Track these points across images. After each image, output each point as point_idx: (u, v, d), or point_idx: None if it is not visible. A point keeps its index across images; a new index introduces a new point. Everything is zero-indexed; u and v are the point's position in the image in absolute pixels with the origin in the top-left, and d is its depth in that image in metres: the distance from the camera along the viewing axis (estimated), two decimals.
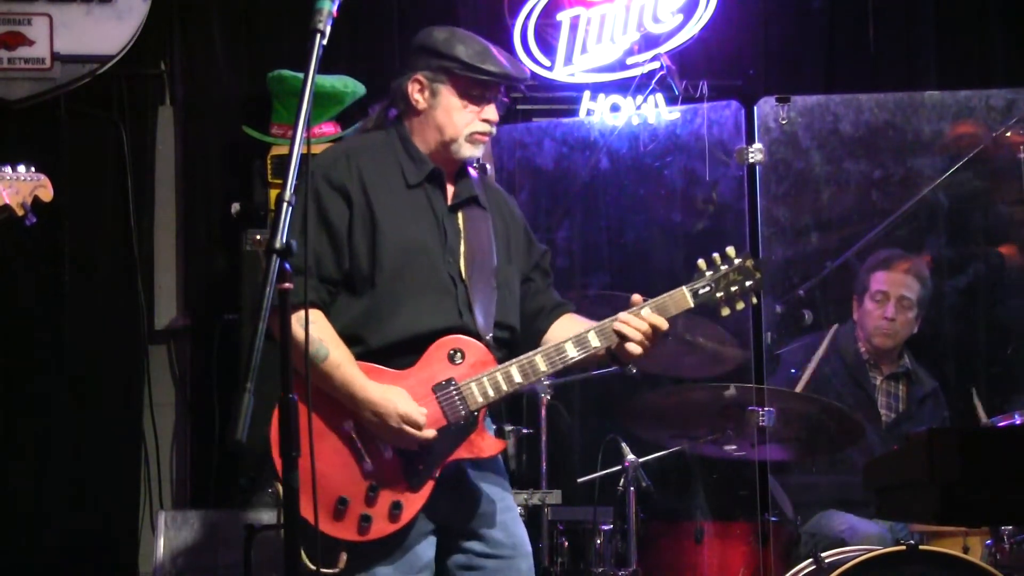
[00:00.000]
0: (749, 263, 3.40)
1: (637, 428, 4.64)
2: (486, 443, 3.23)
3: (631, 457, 4.38)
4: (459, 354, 3.20)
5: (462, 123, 3.29)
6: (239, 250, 5.16)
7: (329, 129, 5.36)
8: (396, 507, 3.14)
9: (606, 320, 3.28)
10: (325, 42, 2.67)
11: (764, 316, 4.62)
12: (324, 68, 2.75)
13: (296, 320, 2.81)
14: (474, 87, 3.29)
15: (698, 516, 4.42)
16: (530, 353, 3.24)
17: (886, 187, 5.21)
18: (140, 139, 5.72)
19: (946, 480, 2.88)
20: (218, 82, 5.76)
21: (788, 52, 6.01)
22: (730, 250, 3.40)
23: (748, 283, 3.39)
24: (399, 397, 3.12)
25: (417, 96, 3.32)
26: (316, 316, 3.13)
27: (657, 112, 5.40)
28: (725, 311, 3.40)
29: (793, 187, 5.02)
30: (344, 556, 3.12)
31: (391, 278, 3.19)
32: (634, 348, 3.25)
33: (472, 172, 3.42)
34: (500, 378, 3.20)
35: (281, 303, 2.44)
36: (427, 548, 3.22)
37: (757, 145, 4.61)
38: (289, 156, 2.55)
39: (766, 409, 4.37)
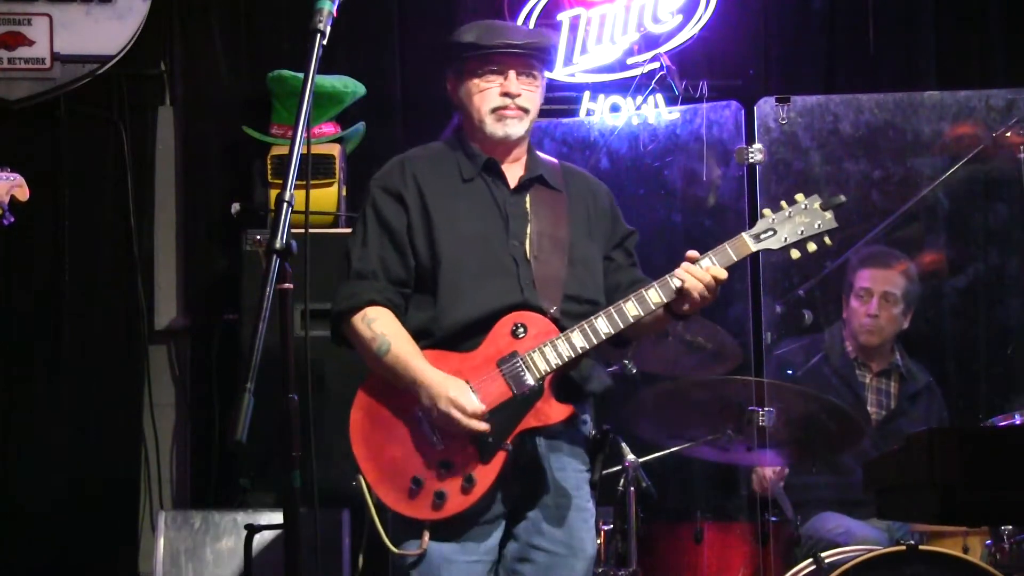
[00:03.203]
0: (817, 204, 3.38)
1: (637, 428, 4.64)
2: (553, 409, 3.27)
3: (631, 457, 4.38)
4: (522, 328, 3.26)
5: (483, 103, 3.39)
6: (239, 250, 5.16)
7: (329, 129, 5.36)
8: (469, 481, 3.21)
9: (665, 276, 3.30)
10: (325, 42, 2.68)
11: (764, 316, 4.62)
12: (324, 68, 2.76)
13: (360, 318, 3.27)
14: (483, 64, 3.38)
15: (698, 516, 4.41)
16: (591, 317, 3.27)
17: (886, 187, 5.20)
18: (140, 139, 5.72)
19: (946, 480, 2.88)
20: (218, 82, 5.76)
21: (788, 52, 6.00)
22: (799, 196, 3.39)
23: (818, 223, 3.37)
24: (454, 384, 3.20)
25: (452, 94, 3.48)
26: (381, 312, 3.28)
27: (657, 112, 5.40)
28: (795, 253, 3.38)
29: (793, 187, 4.99)
30: (427, 535, 3.21)
31: (450, 270, 3.30)
32: (693, 300, 3.26)
33: (545, 157, 3.53)
34: (562, 344, 3.24)
35: (281, 303, 2.44)
36: (495, 532, 3.29)
37: (757, 145, 4.61)
38: (289, 156, 2.55)
39: (766, 409, 4.37)
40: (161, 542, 4.64)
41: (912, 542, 3.91)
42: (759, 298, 4.69)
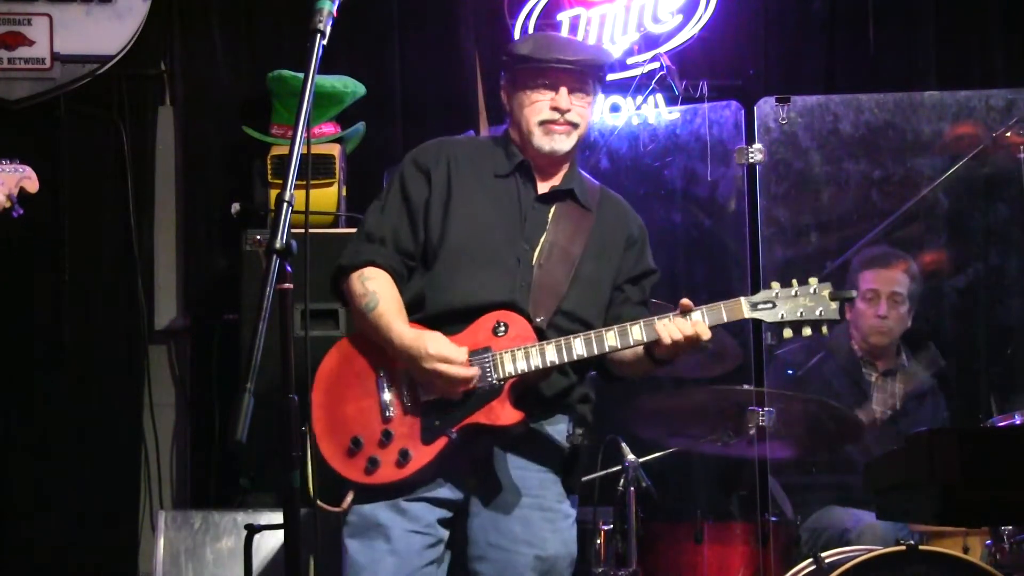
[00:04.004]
0: (827, 292, 3.31)
1: (637, 428, 4.64)
2: (504, 412, 3.27)
3: (631, 457, 4.38)
4: (503, 327, 3.29)
5: (532, 115, 3.41)
6: (239, 250, 5.16)
7: (329, 129, 5.36)
8: (404, 456, 3.24)
9: (654, 317, 3.28)
10: (325, 42, 2.67)
11: None
12: (324, 68, 2.76)
13: (357, 277, 3.33)
14: (536, 77, 3.41)
15: (698, 516, 4.41)
16: (570, 336, 3.28)
17: (886, 187, 5.20)
18: (140, 139, 5.72)
19: (946, 480, 2.88)
20: (218, 82, 5.76)
21: (788, 52, 6.00)
22: (812, 280, 3.33)
23: (820, 310, 3.29)
24: (431, 338, 3.23)
25: (504, 102, 3.51)
26: (378, 273, 3.33)
27: (657, 112, 5.40)
28: (788, 333, 3.32)
29: (793, 187, 5.02)
30: (350, 496, 3.27)
31: (452, 253, 3.34)
32: (668, 348, 3.24)
33: (587, 176, 3.57)
34: (535, 352, 3.26)
35: (281, 303, 2.44)
36: (439, 512, 3.30)
37: (757, 145, 4.62)
38: (289, 156, 2.55)
39: (766, 409, 4.37)
40: (161, 542, 4.64)
41: (912, 542, 3.91)
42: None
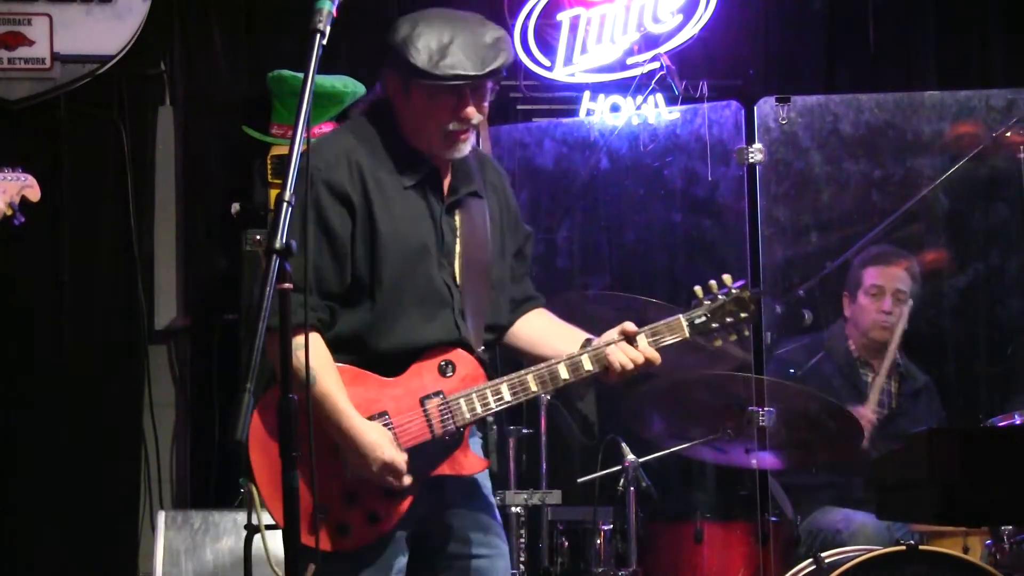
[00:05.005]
0: (746, 295, 3.31)
1: (637, 428, 4.64)
2: (468, 460, 3.15)
3: (631, 457, 4.38)
4: (450, 367, 3.12)
5: (436, 126, 3.10)
6: (239, 250, 5.16)
7: (329, 129, 5.36)
8: (373, 519, 3.05)
9: (599, 344, 3.20)
10: (325, 42, 2.67)
11: (764, 316, 4.62)
12: (324, 68, 2.75)
13: (295, 345, 2.66)
14: (440, 90, 3.07)
15: (698, 516, 4.41)
16: (522, 372, 3.16)
17: (886, 187, 5.21)
18: (140, 139, 5.72)
19: (946, 480, 2.88)
20: (218, 82, 5.77)
21: (788, 52, 6.01)
22: (727, 278, 3.31)
23: (743, 315, 3.29)
24: (384, 443, 3.02)
25: (394, 96, 3.16)
26: (313, 339, 2.93)
27: (657, 112, 5.40)
28: (718, 342, 3.31)
29: (793, 187, 5.02)
30: (312, 568, 2.89)
31: (390, 289, 3.07)
32: (618, 373, 3.18)
33: (470, 157, 3.26)
34: (490, 395, 3.12)
35: (281, 303, 2.44)
36: (400, 554, 3.13)
37: (757, 145, 4.61)
38: (289, 156, 2.54)
39: (766, 409, 4.37)
40: (161, 542, 4.64)
41: (912, 542, 3.91)
42: (759, 298, 4.68)
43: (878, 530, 4.48)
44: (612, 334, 3.21)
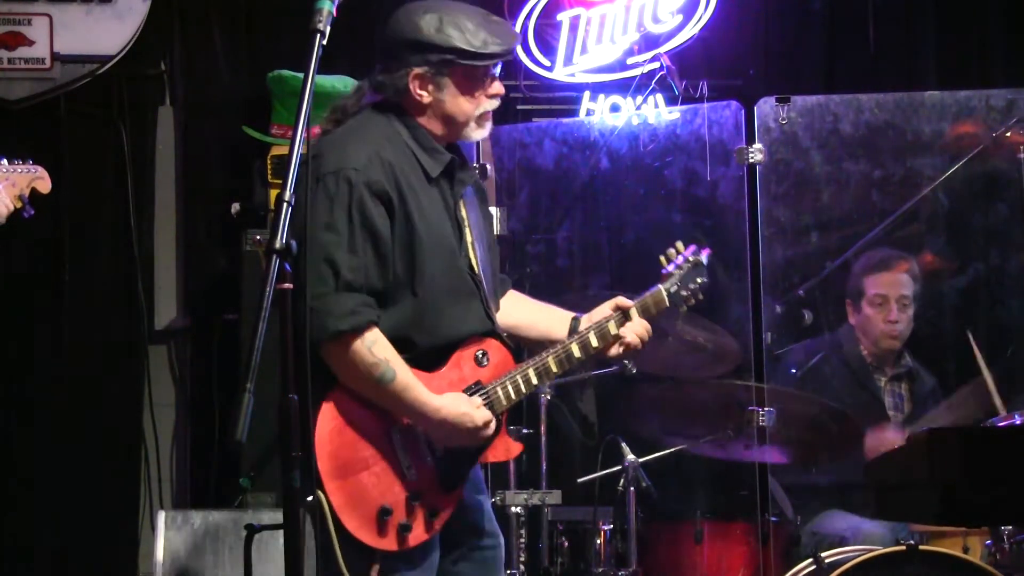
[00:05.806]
0: (701, 259, 3.52)
1: (637, 428, 4.64)
2: (511, 446, 3.29)
3: (631, 457, 4.39)
4: (485, 356, 3.20)
5: (472, 107, 3.19)
6: (239, 250, 5.15)
7: None
8: (432, 514, 3.12)
9: (598, 319, 3.37)
10: (325, 42, 2.67)
11: (764, 316, 4.62)
12: (324, 68, 2.75)
13: (362, 343, 3.00)
14: (479, 69, 3.17)
15: (698, 516, 4.41)
16: (543, 355, 3.27)
17: (886, 187, 5.21)
18: (140, 139, 5.71)
19: (946, 480, 2.88)
20: (218, 82, 5.76)
21: (788, 52, 6.01)
22: (679, 245, 3.51)
23: (700, 280, 3.50)
24: (471, 408, 3.12)
25: (421, 92, 3.16)
26: (379, 335, 3.04)
27: (657, 112, 5.40)
28: (683, 309, 3.52)
29: (793, 187, 5.02)
30: (376, 568, 3.07)
31: (429, 284, 3.11)
32: (632, 348, 3.39)
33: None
34: (520, 380, 3.22)
35: (281, 303, 2.44)
36: (436, 549, 3.21)
37: (757, 145, 4.62)
38: (289, 156, 2.55)
39: (766, 409, 4.37)
40: (161, 542, 4.63)
41: (912, 542, 3.91)
42: (759, 298, 4.69)
43: (885, 542, 4.45)
44: (605, 309, 3.39)
